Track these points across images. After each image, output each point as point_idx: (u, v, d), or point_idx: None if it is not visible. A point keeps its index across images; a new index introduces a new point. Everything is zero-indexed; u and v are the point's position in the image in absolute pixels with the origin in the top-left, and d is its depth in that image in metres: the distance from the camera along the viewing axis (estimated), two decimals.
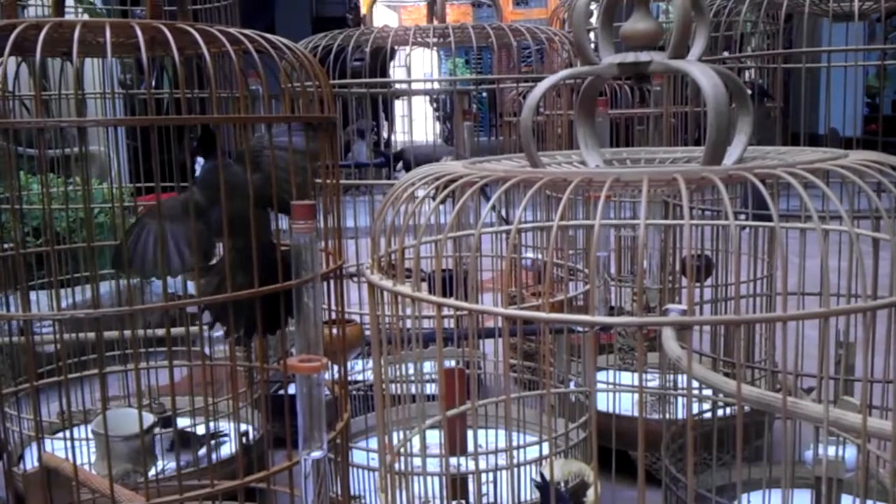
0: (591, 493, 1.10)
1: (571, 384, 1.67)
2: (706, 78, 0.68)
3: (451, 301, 0.65)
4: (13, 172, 1.16)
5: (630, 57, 0.73)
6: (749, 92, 0.82)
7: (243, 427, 1.62)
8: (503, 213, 1.66)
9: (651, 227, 1.64)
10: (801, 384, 1.49)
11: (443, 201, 0.74)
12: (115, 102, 1.73)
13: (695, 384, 1.40)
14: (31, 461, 1.57)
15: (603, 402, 1.82)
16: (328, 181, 1.14)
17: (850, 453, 1.20)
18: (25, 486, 1.15)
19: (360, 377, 1.93)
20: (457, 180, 0.69)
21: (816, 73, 1.59)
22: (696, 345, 1.68)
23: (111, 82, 1.69)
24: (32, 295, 1.70)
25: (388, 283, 0.71)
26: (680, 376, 1.55)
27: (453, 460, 1.38)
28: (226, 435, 1.63)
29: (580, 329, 1.48)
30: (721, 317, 0.70)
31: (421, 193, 0.74)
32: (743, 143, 0.78)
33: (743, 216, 1.49)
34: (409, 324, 0.76)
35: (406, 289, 0.68)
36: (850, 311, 0.60)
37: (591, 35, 1.63)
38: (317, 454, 0.90)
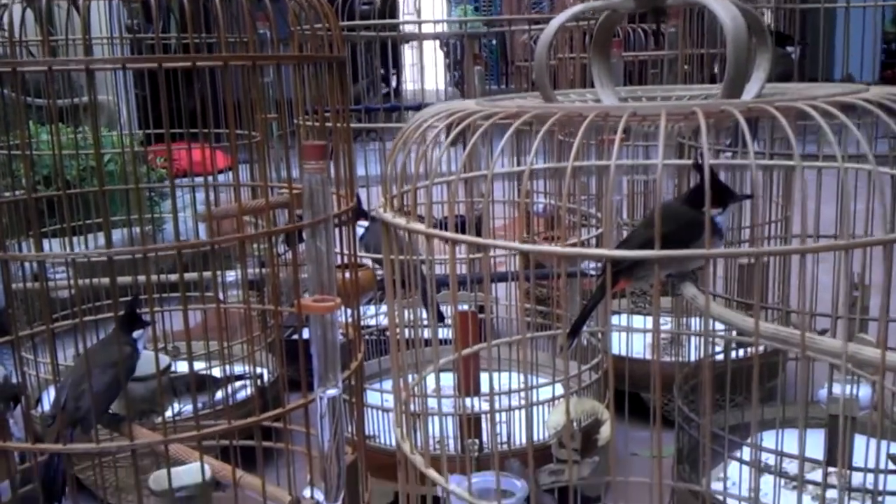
0: (604, 429, 1.11)
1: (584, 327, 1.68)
2: (725, 11, 0.67)
3: (465, 237, 0.65)
4: (22, 119, 1.16)
5: None
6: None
7: (258, 370, 1.63)
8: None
9: (665, 172, 1.62)
10: (815, 326, 1.49)
11: (454, 143, 0.73)
12: (122, 48, 1.71)
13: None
14: (48, 404, 1.59)
15: (615, 346, 1.83)
16: (339, 125, 1.13)
17: (864, 392, 1.21)
18: (43, 427, 1.17)
19: (372, 322, 1.94)
20: (469, 117, 0.69)
21: (833, 17, 1.56)
22: (710, 286, 1.68)
23: (118, 27, 1.67)
24: (45, 244, 1.71)
25: (401, 221, 0.71)
26: (693, 319, 1.55)
27: (467, 401, 1.39)
28: (247, 377, 1.65)
29: (592, 272, 1.47)
30: (739, 249, 0.70)
31: (433, 132, 0.74)
32: (761, 79, 0.77)
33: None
34: (424, 270, 0.76)
35: (420, 226, 0.68)
36: (869, 243, 0.59)
37: None
38: (332, 392, 0.91)
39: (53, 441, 1.03)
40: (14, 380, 1.57)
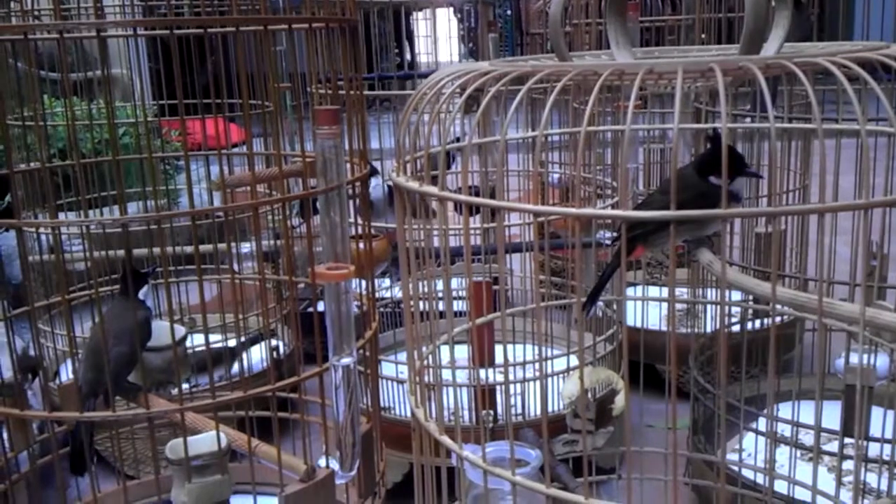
0: (619, 399, 1.11)
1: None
2: None
3: (479, 199, 0.64)
4: (36, 91, 1.15)
5: None
6: None
7: (274, 342, 1.63)
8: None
9: (681, 139, 1.60)
10: (832, 296, 1.47)
11: (468, 111, 0.72)
12: (134, 16, 1.70)
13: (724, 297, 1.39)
14: (66, 377, 1.60)
15: (631, 317, 1.83)
16: (351, 93, 1.12)
17: (881, 362, 1.19)
18: (61, 398, 1.17)
19: (386, 294, 1.94)
20: (483, 77, 0.68)
21: None
22: (726, 254, 1.67)
23: None
24: (61, 216, 1.71)
25: (414, 185, 0.70)
26: (709, 290, 1.54)
27: (482, 372, 1.39)
28: (262, 339, 1.65)
29: (607, 242, 1.46)
30: (757, 209, 0.68)
31: (447, 92, 0.73)
32: (780, 37, 0.75)
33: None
34: (436, 242, 0.75)
35: (433, 189, 0.67)
36: (891, 203, 0.58)
37: None
38: (346, 360, 0.91)
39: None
40: (31, 351, 1.59)
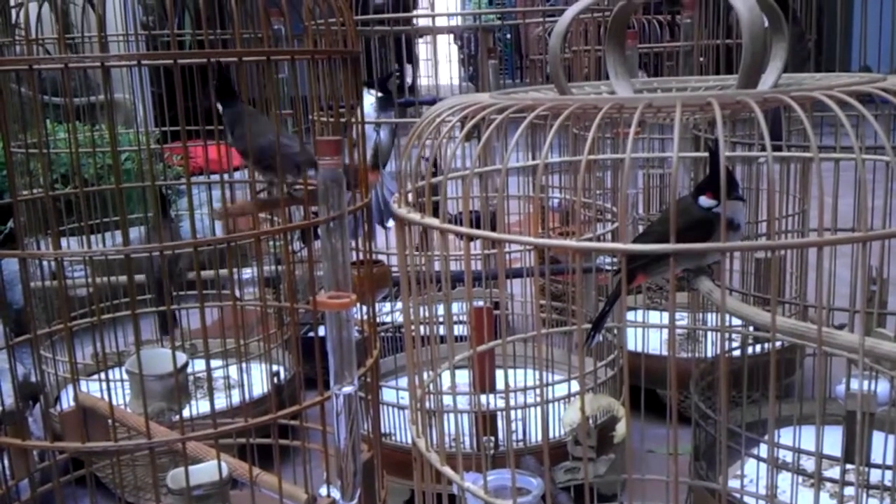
0: (620, 426, 1.11)
1: None
2: (741, 0, 0.66)
3: (479, 231, 0.65)
4: (39, 117, 1.16)
5: None
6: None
7: (275, 368, 1.64)
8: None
9: (680, 166, 1.61)
10: (833, 321, 1.47)
11: (468, 138, 0.72)
12: (137, 45, 1.72)
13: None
14: (67, 403, 1.60)
15: (631, 342, 1.83)
16: (353, 120, 1.13)
17: (882, 388, 1.19)
18: (62, 425, 1.17)
19: (387, 319, 1.94)
20: (483, 110, 0.68)
21: (850, 6, 1.54)
22: (726, 281, 1.67)
23: (133, 24, 1.68)
24: (63, 242, 1.72)
25: (416, 216, 0.70)
26: (710, 315, 1.54)
27: (482, 398, 1.39)
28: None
29: (608, 267, 1.47)
30: (756, 242, 0.69)
31: (447, 126, 0.73)
32: (778, 69, 0.76)
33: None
34: (437, 266, 0.75)
35: (434, 220, 0.68)
36: (887, 235, 0.58)
37: None
38: (348, 389, 0.91)
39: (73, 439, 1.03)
40: (33, 378, 1.59)
